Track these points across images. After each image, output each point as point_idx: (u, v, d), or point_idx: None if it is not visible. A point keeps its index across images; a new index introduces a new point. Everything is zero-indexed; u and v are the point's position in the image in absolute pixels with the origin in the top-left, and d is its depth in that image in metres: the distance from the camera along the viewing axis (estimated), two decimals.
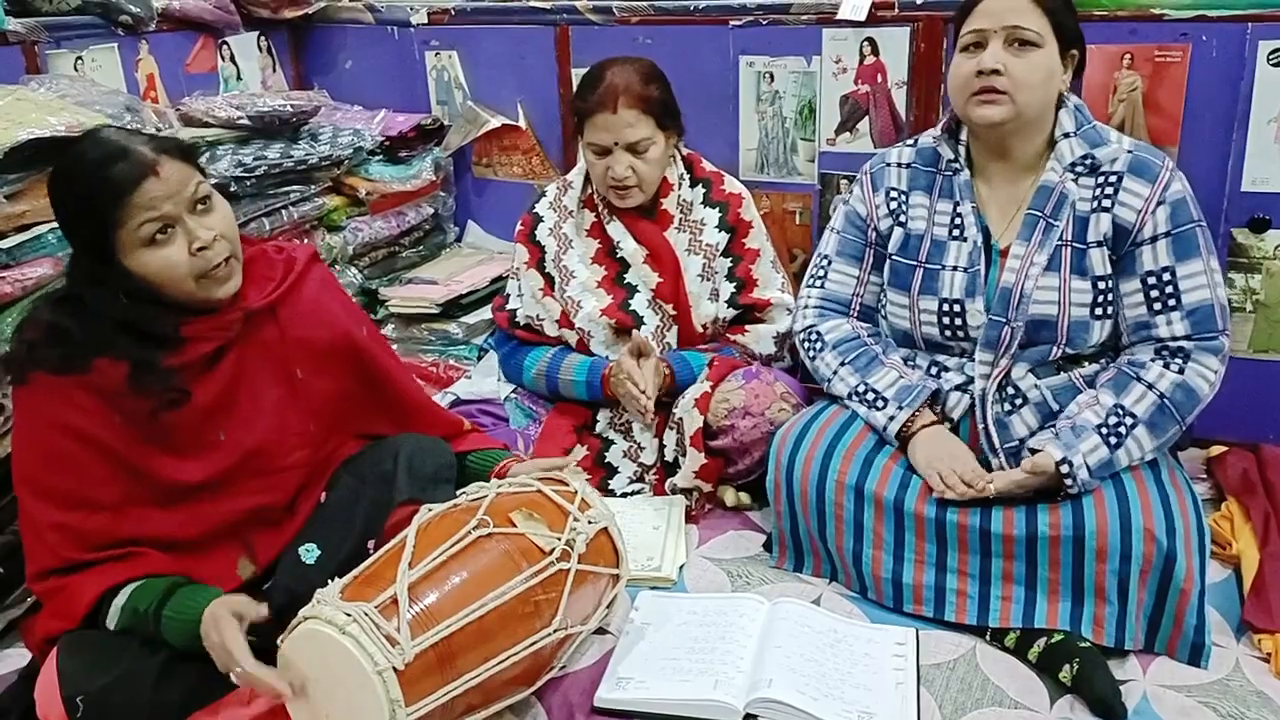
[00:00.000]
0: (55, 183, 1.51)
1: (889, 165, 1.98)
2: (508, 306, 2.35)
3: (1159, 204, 1.75)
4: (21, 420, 1.52)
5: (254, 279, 1.63)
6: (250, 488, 1.64)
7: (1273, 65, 2.05)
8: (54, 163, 1.53)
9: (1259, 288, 2.17)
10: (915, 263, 1.90)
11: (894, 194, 1.95)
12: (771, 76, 2.51)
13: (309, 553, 1.62)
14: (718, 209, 2.26)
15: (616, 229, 2.24)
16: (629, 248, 2.23)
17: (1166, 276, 1.76)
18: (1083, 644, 1.64)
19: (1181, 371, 1.75)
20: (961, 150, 1.90)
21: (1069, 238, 1.79)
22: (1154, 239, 1.76)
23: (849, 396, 1.93)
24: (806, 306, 2.05)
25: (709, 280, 2.23)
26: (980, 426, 1.82)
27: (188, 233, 1.49)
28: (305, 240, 2.62)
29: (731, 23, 2.51)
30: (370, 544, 1.61)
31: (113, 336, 1.49)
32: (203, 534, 1.60)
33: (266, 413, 1.64)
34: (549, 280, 2.28)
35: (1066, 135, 1.81)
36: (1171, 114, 2.15)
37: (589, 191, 2.30)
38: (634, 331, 2.16)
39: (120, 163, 1.45)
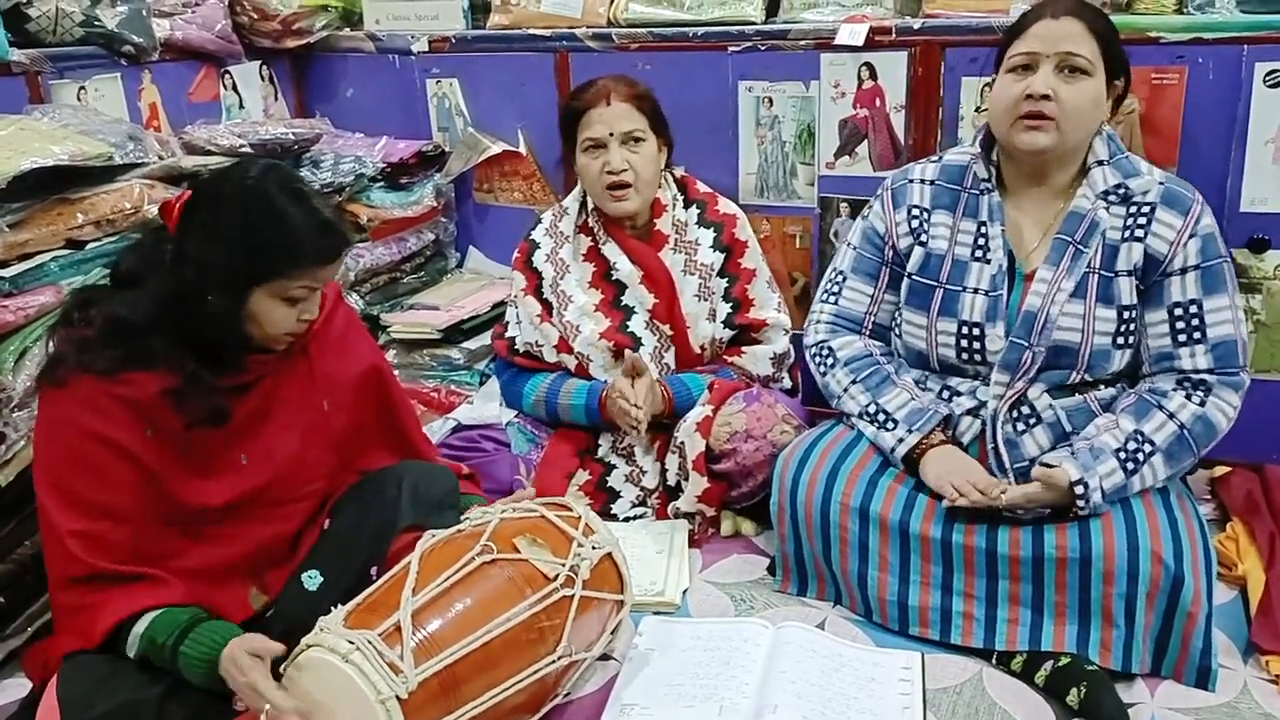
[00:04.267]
0: (257, 206, 1.51)
1: (912, 182, 1.97)
2: (507, 334, 2.36)
3: (1191, 236, 1.75)
4: (48, 426, 1.52)
5: None
6: (265, 516, 1.65)
7: (1269, 86, 2.06)
8: (236, 180, 1.56)
9: (1259, 308, 2.17)
10: (935, 283, 1.89)
11: (915, 211, 1.94)
12: (770, 101, 2.52)
13: (312, 579, 1.62)
14: (712, 229, 2.27)
15: (612, 250, 2.25)
16: (625, 269, 2.24)
17: (1194, 309, 1.76)
18: (1090, 667, 1.63)
19: (1203, 404, 1.75)
20: (993, 170, 1.89)
21: (1097, 265, 1.79)
22: (1184, 271, 1.76)
23: (858, 415, 1.93)
24: (819, 322, 2.04)
25: (706, 300, 2.24)
26: (990, 445, 1.82)
27: (306, 304, 1.59)
28: None
29: (730, 48, 2.52)
30: (373, 570, 1.61)
31: (175, 345, 1.51)
32: (217, 561, 1.60)
33: (290, 442, 1.67)
34: (546, 306, 2.29)
35: (1100, 163, 1.81)
36: (1169, 136, 2.16)
37: (584, 217, 2.31)
38: (626, 351, 2.17)
39: (333, 237, 1.56)
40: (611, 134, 2.16)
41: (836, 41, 2.38)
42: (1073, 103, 1.73)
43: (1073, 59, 1.73)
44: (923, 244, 1.92)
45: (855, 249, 2.03)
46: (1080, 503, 1.67)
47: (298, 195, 1.55)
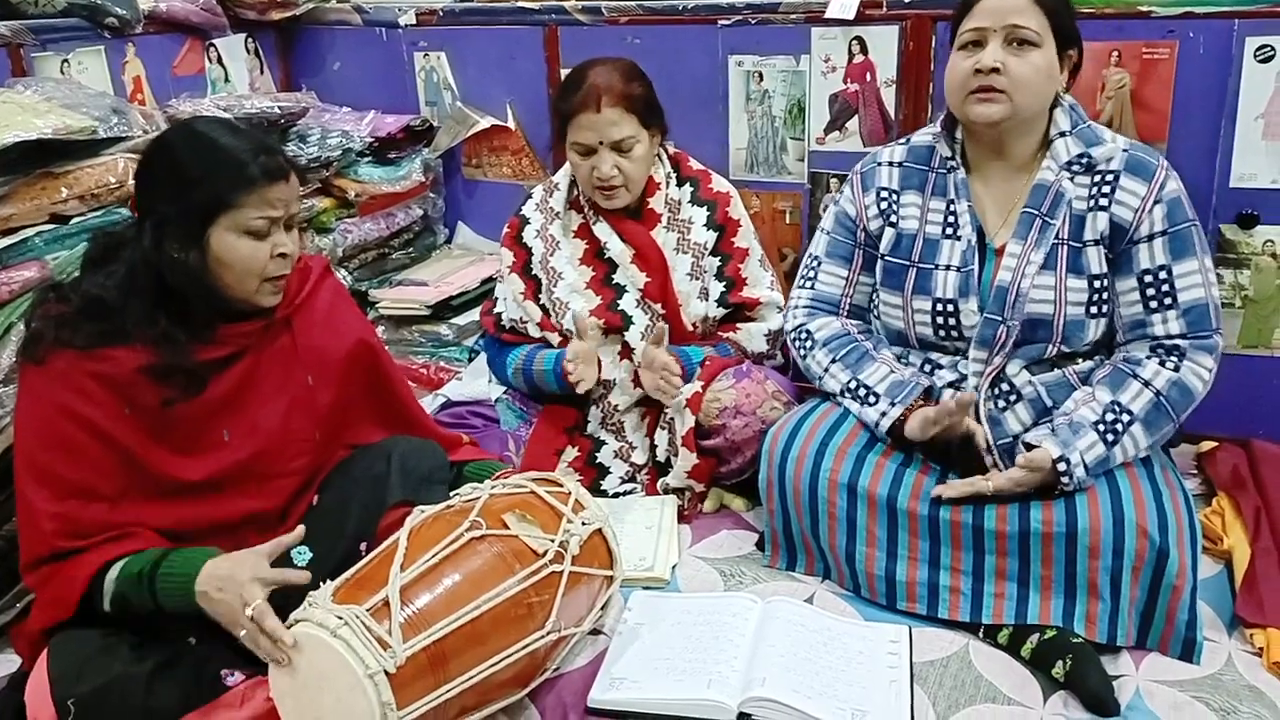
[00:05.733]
0: (190, 140, 1.55)
1: (880, 165, 1.98)
2: (495, 310, 2.35)
3: (1156, 202, 1.76)
4: (27, 402, 1.52)
5: None
6: (249, 491, 1.65)
7: (1260, 61, 2.05)
8: (179, 129, 1.61)
9: (1247, 283, 2.17)
10: (908, 262, 1.90)
11: (884, 194, 1.95)
12: (760, 76, 2.51)
13: (301, 554, 1.62)
14: (705, 207, 2.25)
15: (603, 229, 2.24)
16: (616, 248, 2.22)
17: (1163, 275, 1.76)
18: (1075, 640, 1.64)
19: (1177, 369, 1.75)
20: (957, 148, 1.90)
21: (1065, 236, 1.79)
22: (1151, 237, 1.76)
23: (841, 393, 1.93)
24: (797, 306, 2.05)
25: (698, 279, 2.23)
26: None
27: (277, 239, 1.57)
28: None
29: (720, 22, 2.51)
30: (363, 546, 1.61)
31: (151, 313, 1.51)
32: (198, 535, 1.59)
33: (273, 417, 1.66)
34: (534, 283, 2.27)
35: (1062, 134, 1.81)
36: (1160, 110, 2.16)
37: (575, 193, 2.29)
38: (659, 324, 2.15)
39: (266, 157, 1.54)
40: (601, 142, 2.12)
41: (827, 15, 2.38)
42: (1022, 75, 1.74)
43: (1019, 31, 1.74)
44: (893, 225, 1.93)
45: (828, 233, 2.04)
46: (1064, 479, 1.68)
47: (228, 127, 1.59)
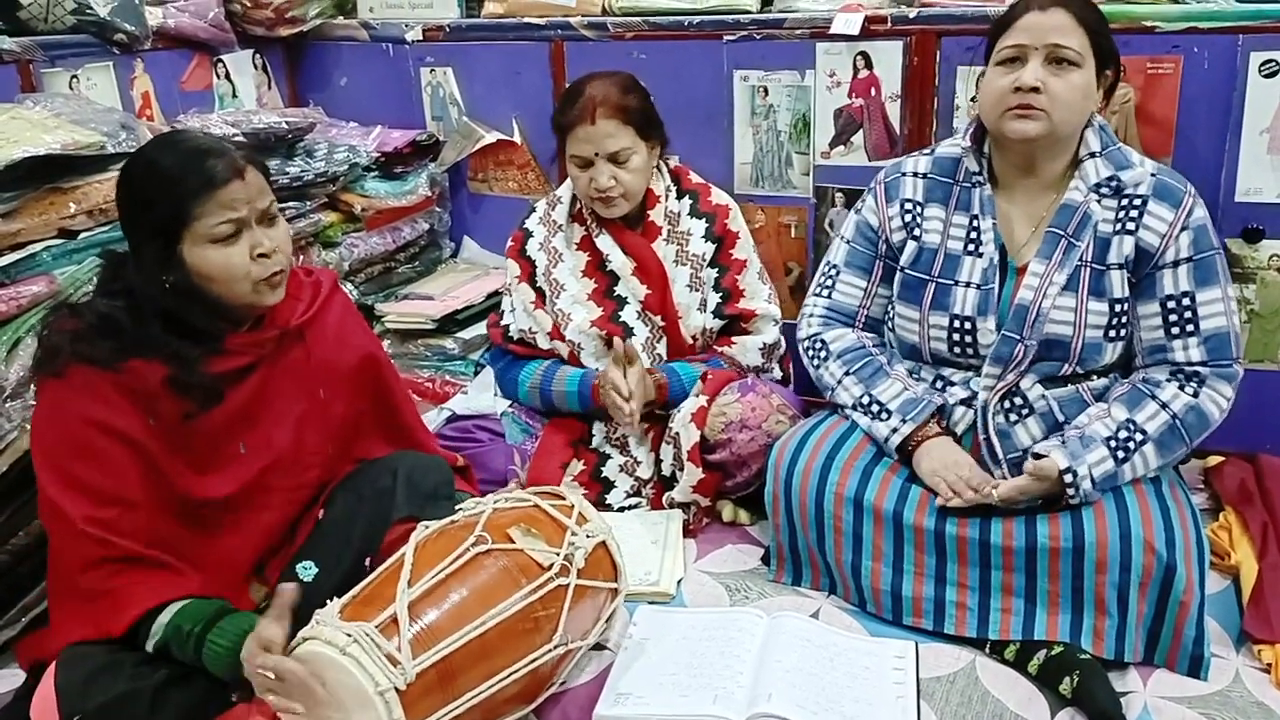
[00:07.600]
0: (138, 165, 1.55)
1: (904, 175, 1.97)
2: (502, 322, 2.36)
3: (1183, 229, 1.75)
4: (48, 415, 1.51)
5: (286, 299, 1.66)
6: (260, 503, 1.65)
7: (1264, 76, 2.06)
8: (136, 155, 1.59)
9: (1253, 298, 2.17)
10: (927, 277, 1.89)
11: (908, 205, 1.94)
12: (765, 91, 2.52)
13: (306, 570, 1.62)
14: (704, 219, 2.26)
15: (605, 242, 2.25)
16: (617, 260, 2.23)
17: (1186, 302, 1.76)
18: (1083, 656, 1.64)
19: (1196, 395, 1.75)
20: (985, 163, 1.89)
21: (1089, 258, 1.79)
22: (1176, 264, 1.76)
23: (852, 407, 1.93)
24: (812, 315, 2.04)
25: (697, 291, 2.24)
26: (982, 436, 1.82)
27: (252, 239, 1.54)
28: (300, 257, 2.63)
29: (725, 37, 2.51)
30: (368, 561, 1.61)
31: (161, 333, 1.51)
32: (218, 553, 1.60)
33: (287, 429, 1.66)
34: (540, 294, 2.29)
35: (1092, 155, 1.81)
36: (1164, 125, 2.16)
37: (578, 205, 2.30)
38: (614, 339, 2.15)
39: (214, 159, 1.51)
40: (598, 154, 2.13)
41: (832, 30, 2.38)
42: (1062, 95, 1.72)
43: (1061, 51, 1.72)
44: (915, 238, 1.92)
45: (848, 242, 2.03)
46: (1070, 491, 1.67)
47: (173, 141, 1.57)
